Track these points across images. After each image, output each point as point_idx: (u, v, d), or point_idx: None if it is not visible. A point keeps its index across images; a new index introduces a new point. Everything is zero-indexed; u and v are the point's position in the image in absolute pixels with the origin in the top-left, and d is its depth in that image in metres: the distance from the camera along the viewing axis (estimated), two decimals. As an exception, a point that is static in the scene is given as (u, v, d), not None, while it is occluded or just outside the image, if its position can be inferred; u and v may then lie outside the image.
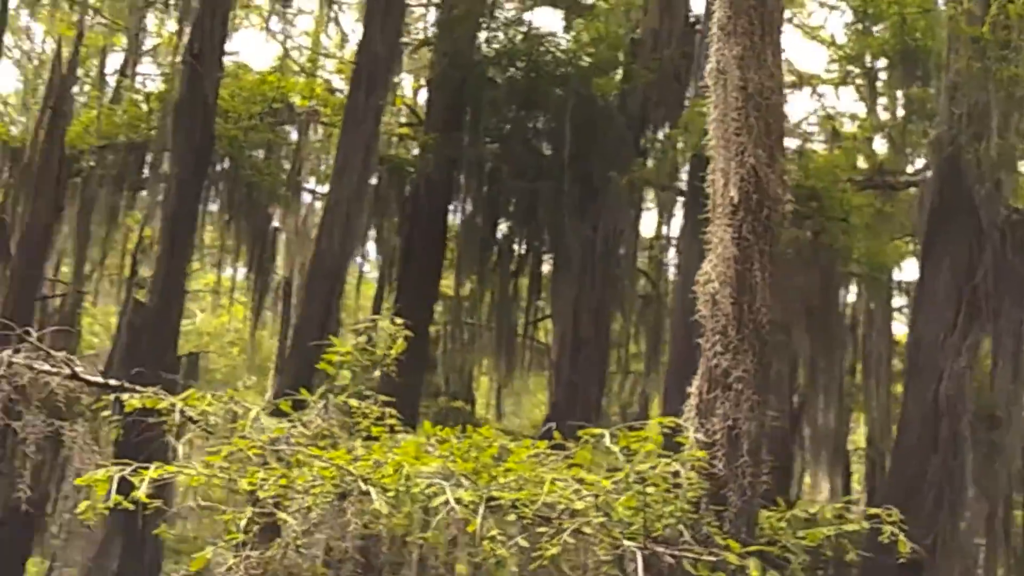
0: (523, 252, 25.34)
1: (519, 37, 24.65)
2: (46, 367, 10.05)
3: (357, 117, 21.98)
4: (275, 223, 26.35)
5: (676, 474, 8.68)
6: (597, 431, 9.09)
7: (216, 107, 22.92)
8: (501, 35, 24.78)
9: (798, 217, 19.92)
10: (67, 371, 10.12)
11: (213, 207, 25.91)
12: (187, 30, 23.05)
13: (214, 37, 22.57)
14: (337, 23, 28.57)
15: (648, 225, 27.42)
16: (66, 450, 10.56)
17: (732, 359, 9.14)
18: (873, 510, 9.69)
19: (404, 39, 25.04)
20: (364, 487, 7.89)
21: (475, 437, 8.79)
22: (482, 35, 24.65)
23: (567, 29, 25.35)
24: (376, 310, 25.22)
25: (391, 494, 7.83)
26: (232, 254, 27.93)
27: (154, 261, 23.21)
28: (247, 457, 8.33)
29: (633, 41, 24.35)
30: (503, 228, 25.25)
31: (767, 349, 9.26)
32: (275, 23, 28.80)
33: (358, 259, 26.61)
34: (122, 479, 7.79)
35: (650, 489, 8.29)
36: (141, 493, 7.56)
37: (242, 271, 28.52)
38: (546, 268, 25.64)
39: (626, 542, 8.35)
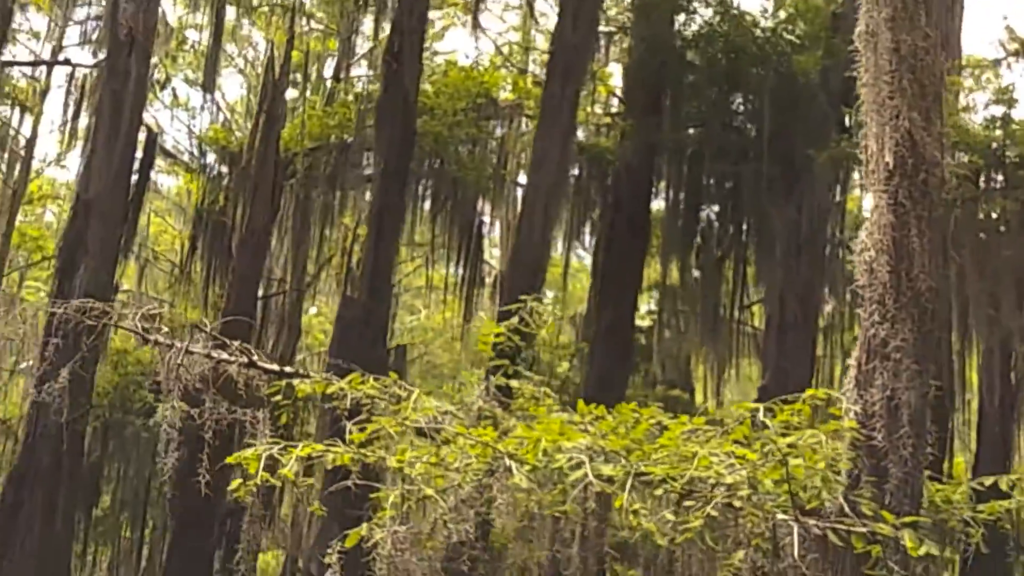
0: (727, 236, 25.07)
1: (717, 18, 24.38)
2: (224, 355, 10.42)
3: (553, 108, 22.12)
4: (483, 217, 26.71)
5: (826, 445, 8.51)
6: (752, 405, 8.97)
7: (417, 104, 23.35)
8: (699, 17, 24.56)
9: (1008, 187, 19.27)
10: (244, 359, 10.48)
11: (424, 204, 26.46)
12: (385, 27, 23.57)
13: (412, 35, 23.01)
14: (532, 16, 28.56)
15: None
16: (248, 437, 10.91)
17: (890, 328, 8.91)
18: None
19: (601, 27, 25.04)
20: (508, 463, 7.97)
21: (625, 414, 8.78)
22: (680, 18, 24.46)
23: (765, 8, 24.98)
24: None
25: (529, 469, 7.89)
26: (445, 249, 28.36)
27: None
28: (391, 436, 8.51)
29: (834, 15, 23.84)
30: (706, 212, 25.04)
31: (927, 317, 8.99)
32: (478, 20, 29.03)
33: (562, 250, 26.72)
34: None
35: (796, 461, 8.15)
36: (288, 470, 7.81)
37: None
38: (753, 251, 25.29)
39: (779, 515, 8.23)
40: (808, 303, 23.02)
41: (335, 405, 9.76)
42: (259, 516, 9.71)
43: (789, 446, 8.34)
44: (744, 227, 24.79)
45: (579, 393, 19.33)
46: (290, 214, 26.60)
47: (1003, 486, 9.71)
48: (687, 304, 27.41)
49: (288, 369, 10.53)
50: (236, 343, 10.45)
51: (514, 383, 9.85)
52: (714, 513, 7.85)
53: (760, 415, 8.85)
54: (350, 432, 8.15)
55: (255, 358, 10.50)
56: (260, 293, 27.18)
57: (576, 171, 25.07)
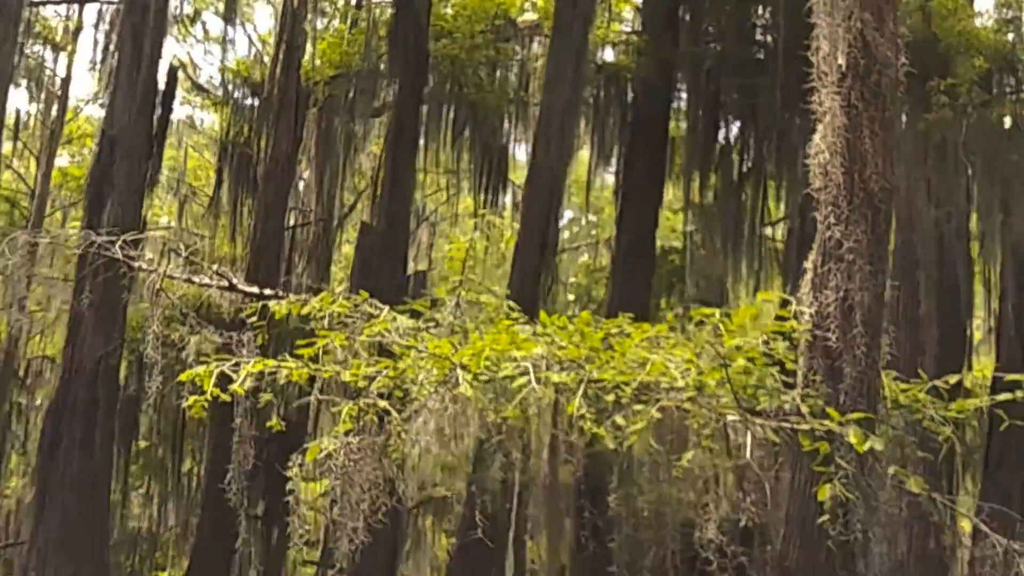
0: (749, 151, 24.97)
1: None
2: (205, 280, 10.61)
3: (566, 24, 22.03)
4: (507, 141, 26.70)
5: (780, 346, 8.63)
6: (708, 311, 9.08)
7: (431, 27, 23.34)
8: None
9: (1019, 91, 19.07)
10: (224, 283, 10.67)
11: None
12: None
13: (423, -48, 22.97)
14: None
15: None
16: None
17: (844, 230, 8.96)
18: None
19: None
20: (458, 373, 8.12)
21: (578, 323, 8.91)
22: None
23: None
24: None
25: (472, 378, 8.04)
26: (468, 174, 28.42)
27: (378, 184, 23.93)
28: (359, 353, 8.68)
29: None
30: (727, 128, 24.93)
31: (881, 218, 9.03)
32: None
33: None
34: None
35: (741, 362, 8.26)
36: (237, 386, 8.01)
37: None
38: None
39: (730, 416, 8.36)
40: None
41: (313, 327, 9.95)
42: (248, 436, 9.83)
43: (736, 348, 8.45)
44: (765, 141, 24.65)
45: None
46: (313, 144, 26.72)
47: (967, 384, 9.76)
48: (713, 222, 27.35)
49: (267, 291, 10.70)
50: (214, 266, 10.63)
51: (484, 298, 9.98)
52: (657, 415, 7.98)
53: (715, 317, 8.97)
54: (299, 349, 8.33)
55: (235, 282, 10.68)
56: (290, 224, 27.43)
57: (594, 90, 24.98)
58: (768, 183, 25.09)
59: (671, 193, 27.97)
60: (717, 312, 9.00)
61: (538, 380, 8.10)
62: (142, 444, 29.89)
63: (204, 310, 12.34)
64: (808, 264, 9.21)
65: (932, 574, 17.12)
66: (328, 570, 28.82)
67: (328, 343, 8.43)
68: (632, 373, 8.49)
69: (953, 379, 9.80)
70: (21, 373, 33.39)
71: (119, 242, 10.49)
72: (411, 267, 26.38)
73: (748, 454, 8.39)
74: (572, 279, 40.62)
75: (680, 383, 8.35)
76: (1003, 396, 9.98)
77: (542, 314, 9.45)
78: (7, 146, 34.71)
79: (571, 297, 39.61)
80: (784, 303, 9.13)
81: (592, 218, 38.99)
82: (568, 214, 43.39)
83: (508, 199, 29.00)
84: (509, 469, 9.38)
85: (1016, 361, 19.51)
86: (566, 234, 45.21)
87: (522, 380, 7.97)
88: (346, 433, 8.20)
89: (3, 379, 32.40)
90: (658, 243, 34.24)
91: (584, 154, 28.13)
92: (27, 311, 33.54)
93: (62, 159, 37.72)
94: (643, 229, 23.98)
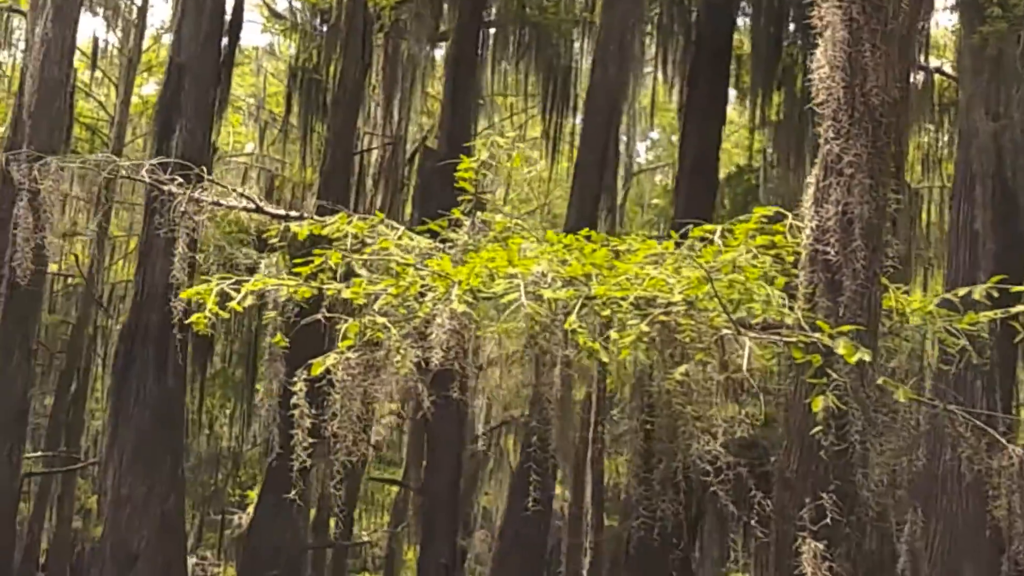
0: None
1: None
2: (232, 202, 10.88)
3: (625, -58, 21.95)
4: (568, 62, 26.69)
5: (778, 258, 8.74)
6: (710, 227, 9.18)
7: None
8: None
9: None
10: (252, 205, 10.94)
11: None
12: None
13: None
14: None
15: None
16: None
17: (844, 144, 8.96)
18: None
19: None
20: (454, 289, 8.31)
21: (580, 240, 9.03)
22: None
23: None
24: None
25: (464, 292, 8.22)
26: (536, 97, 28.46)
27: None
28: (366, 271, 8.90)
29: None
30: (792, 44, 24.70)
31: (882, 132, 9.02)
32: None
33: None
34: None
35: (733, 276, 8.36)
36: (236, 304, 8.28)
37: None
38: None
39: (724, 329, 8.47)
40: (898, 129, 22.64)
41: (338, 247, 10.17)
42: (279, 354, 10.08)
43: (735, 266, 8.57)
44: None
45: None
46: (381, 69, 26.92)
47: (976, 295, 9.74)
48: (783, 139, 27.20)
49: (293, 213, 10.95)
50: (240, 188, 10.88)
51: (498, 217, 10.13)
52: (646, 328, 8.12)
53: (716, 236, 9.07)
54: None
55: (260, 204, 10.94)
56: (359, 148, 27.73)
57: (657, 9, 24.86)
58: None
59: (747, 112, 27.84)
60: (718, 228, 9.09)
61: (537, 296, 8.26)
62: (219, 365, 30.57)
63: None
64: (811, 179, 9.25)
65: (949, 487, 17.29)
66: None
67: (324, 261, 8.65)
68: (631, 289, 8.62)
69: (962, 292, 9.80)
70: (104, 298, 34.23)
71: (146, 167, 10.76)
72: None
73: (744, 367, 8.51)
74: (655, 200, 40.66)
75: (677, 297, 8.47)
76: (1017, 308, 9.97)
77: (548, 232, 9.60)
78: (86, 74, 35.35)
79: (648, 217, 39.67)
80: (780, 217, 9.20)
81: (675, 139, 38.86)
82: (654, 135, 43.34)
83: (579, 120, 29.04)
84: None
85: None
86: (651, 155, 45.18)
87: (512, 296, 8.14)
88: (348, 349, 8.44)
89: (85, 303, 33.28)
90: (733, 161, 34.17)
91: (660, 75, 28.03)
92: (108, 236, 34.40)
93: (149, 87, 38.32)
94: (706, 147, 23.91)
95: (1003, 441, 10.35)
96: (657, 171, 42.08)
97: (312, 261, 8.63)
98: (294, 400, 8.40)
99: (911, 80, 23.97)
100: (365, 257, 8.93)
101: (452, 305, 8.03)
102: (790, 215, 9.14)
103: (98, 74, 36.57)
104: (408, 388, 8.95)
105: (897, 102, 9.16)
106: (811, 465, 8.69)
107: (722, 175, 33.94)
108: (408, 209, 28.18)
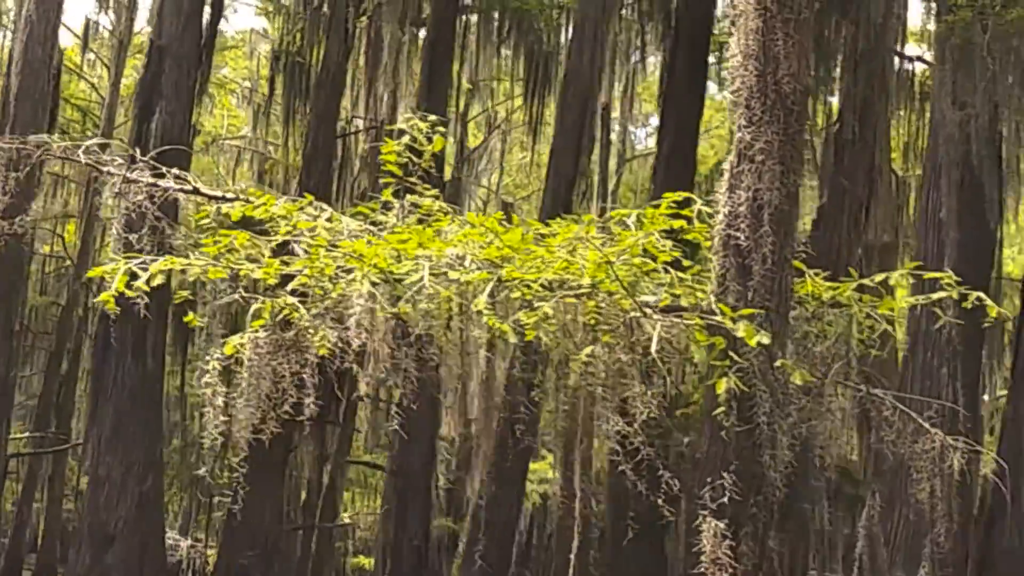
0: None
1: None
2: (169, 183, 10.98)
3: (602, -73, 22.00)
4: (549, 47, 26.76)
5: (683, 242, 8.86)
6: (626, 212, 9.29)
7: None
8: None
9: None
10: (188, 187, 11.04)
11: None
12: None
13: None
14: None
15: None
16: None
17: (756, 131, 9.08)
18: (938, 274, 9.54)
19: None
20: (364, 271, 8.43)
21: (490, 223, 9.13)
22: None
23: None
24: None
25: (375, 273, 8.34)
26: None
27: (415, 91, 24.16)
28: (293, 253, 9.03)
29: None
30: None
31: (793, 119, 9.12)
32: None
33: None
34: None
35: (637, 260, 8.48)
36: (141, 283, 8.42)
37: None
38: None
39: (632, 313, 8.59)
40: (866, 118, 22.70)
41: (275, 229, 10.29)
42: (219, 335, 10.20)
43: (645, 252, 8.70)
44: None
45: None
46: (364, 51, 26.98)
47: (893, 281, 9.86)
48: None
49: (229, 194, 11.04)
50: (174, 170, 10.97)
51: (424, 201, 10.23)
52: (549, 310, 8.24)
53: (631, 220, 9.18)
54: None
55: (197, 185, 11.04)
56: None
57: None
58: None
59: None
60: (635, 212, 9.21)
61: (442, 278, 8.39)
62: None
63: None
64: (726, 165, 9.37)
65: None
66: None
67: (231, 241, 8.77)
68: (545, 272, 8.74)
69: (879, 278, 9.91)
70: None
71: (84, 147, 10.86)
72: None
73: (653, 349, 8.63)
74: (649, 186, 40.71)
75: (585, 280, 8.60)
76: (939, 295, 10.09)
77: (469, 214, 9.71)
78: (79, 56, 35.55)
79: (641, 202, 39.72)
80: (688, 202, 9.32)
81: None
82: (655, 120, 43.36)
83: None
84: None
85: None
86: (651, 141, 45.21)
87: (415, 277, 8.26)
88: (261, 329, 8.57)
89: (75, 284, 33.48)
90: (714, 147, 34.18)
91: (651, 61, 28.12)
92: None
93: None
94: (684, 134, 23.91)
95: (926, 426, 10.48)
96: (651, 157, 42.13)
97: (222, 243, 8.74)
98: (206, 379, 8.52)
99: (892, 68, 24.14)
100: (280, 238, 9.05)
101: (356, 285, 8.15)
102: (699, 201, 9.26)
103: (91, 56, 36.72)
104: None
105: (809, 90, 9.26)
106: (717, 446, 8.83)
107: (712, 165, 34.12)
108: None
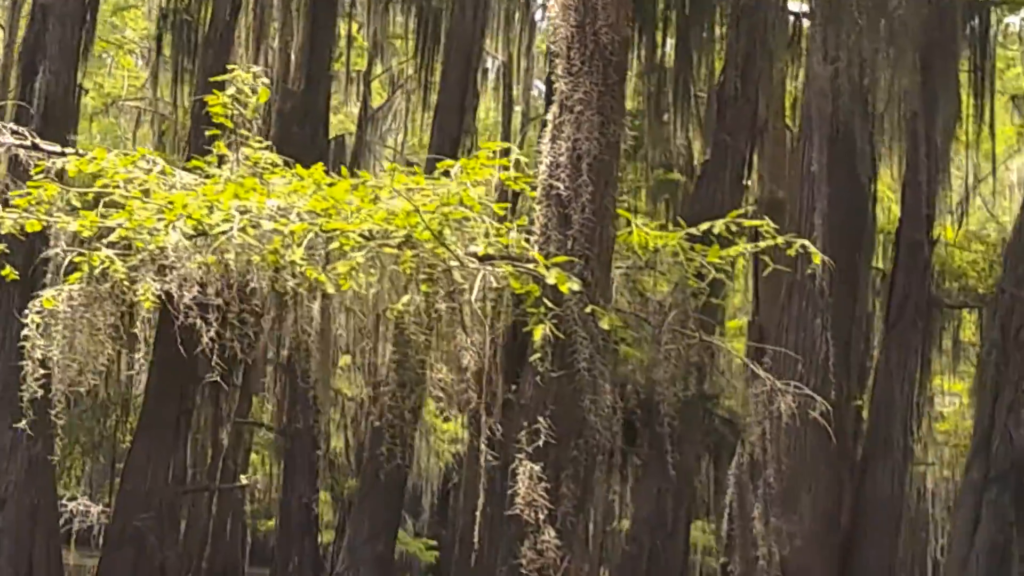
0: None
1: None
2: (7, 138, 10.91)
3: None
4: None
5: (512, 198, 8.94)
6: (449, 163, 9.38)
7: None
8: None
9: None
10: (28, 142, 10.97)
11: None
12: None
13: None
14: None
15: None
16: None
17: (575, 81, 9.19)
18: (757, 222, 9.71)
19: None
20: (180, 223, 8.45)
21: (316, 174, 9.18)
22: None
23: None
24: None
25: (193, 225, 8.37)
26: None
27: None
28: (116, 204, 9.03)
29: None
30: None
31: (612, 70, 9.23)
32: None
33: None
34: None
35: (447, 209, 8.56)
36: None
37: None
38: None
39: (449, 261, 8.67)
40: (748, 74, 22.81)
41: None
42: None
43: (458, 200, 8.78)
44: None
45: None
46: (251, 8, 26.71)
47: (717, 229, 10.00)
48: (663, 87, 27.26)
49: (68, 150, 10.99)
50: (10, 125, 10.91)
51: (256, 154, 10.25)
52: (360, 260, 8.31)
53: (454, 170, 9.26)
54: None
55: (36, 141, 10.98)
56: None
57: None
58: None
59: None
60: (457, 164, 9.29)
61: (255, 229, 8.42)
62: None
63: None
64: (548, 116, 9.46)
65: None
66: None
67: (40, 193, 8.76)
68: (363, 222, 8.80)
69: (704, 227, 10.06)
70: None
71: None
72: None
73: (473, 297, 8.72)
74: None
75: (402, 232, 8.67)
76: (766, 243, 10.27)
77: (298, 167, 9.75)
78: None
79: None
80: (506, 152, 9.41)
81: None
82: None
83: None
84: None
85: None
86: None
87: (223, 227, 8.30)
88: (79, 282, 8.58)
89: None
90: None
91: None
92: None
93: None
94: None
95: (760, 371, 10.69)
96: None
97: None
98: (24, 332, 8.52)
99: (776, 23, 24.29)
100: (96, 190, 9.03)
101: (168, 237, 8.17)
102: (516, 151, 9.35)
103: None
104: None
105: (628, 41, 9.36)
106: (535, 391, 8.96)
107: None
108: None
